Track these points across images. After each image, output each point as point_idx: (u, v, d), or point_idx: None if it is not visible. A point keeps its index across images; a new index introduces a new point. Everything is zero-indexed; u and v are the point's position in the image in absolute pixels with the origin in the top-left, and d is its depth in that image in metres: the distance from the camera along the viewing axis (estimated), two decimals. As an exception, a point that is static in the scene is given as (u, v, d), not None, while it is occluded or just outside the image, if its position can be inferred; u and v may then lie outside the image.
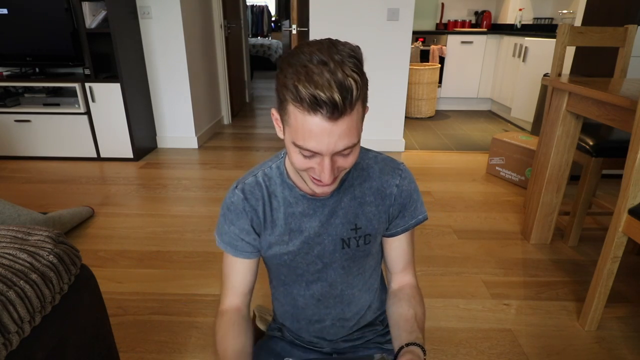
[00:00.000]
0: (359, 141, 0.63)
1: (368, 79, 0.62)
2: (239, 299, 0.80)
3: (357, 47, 0.60)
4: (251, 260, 0.79)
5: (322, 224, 0.75)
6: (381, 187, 0.76)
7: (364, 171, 0.77)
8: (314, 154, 0.60)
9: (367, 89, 0.61)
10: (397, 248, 0.82)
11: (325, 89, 0.54)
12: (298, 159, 0.62)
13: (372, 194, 0.76)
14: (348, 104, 0.56)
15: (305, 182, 0.68)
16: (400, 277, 0.83)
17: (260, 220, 0.76)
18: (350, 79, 0.55)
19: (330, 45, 0.58)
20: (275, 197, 0.76)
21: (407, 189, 0.78)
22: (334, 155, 0.61)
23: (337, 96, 0.54)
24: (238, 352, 0.72)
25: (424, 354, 0.67)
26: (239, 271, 0.79)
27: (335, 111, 0.55)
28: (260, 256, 0.81)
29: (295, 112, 0.57)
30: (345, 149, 0.60)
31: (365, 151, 0.79)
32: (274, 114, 0.65)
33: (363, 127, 0.66)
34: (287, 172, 0.75)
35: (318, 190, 0.66)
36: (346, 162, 0.63)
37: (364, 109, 0.62)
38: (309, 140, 0.58)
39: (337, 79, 0.54)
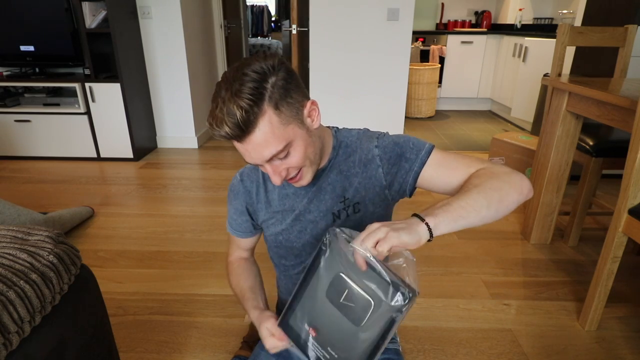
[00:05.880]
0: (289, 143, 0.66)
1: (292, 82, 0.65)
2: (244, 253, 0.97)
3: (272, 59, 0.63)
4: (243, 239, 0.93)
5: (310, 201, 0.81)
6: (363, 155, 0.80)
7: (349, 147, 0.81)
8: (256, 164, 0.69)
9: (279, 96, 0.63)
10: (432, 177, 0.75)
11: (219, 123, 0.61)
12: (259, 170, 0.75)
13: (356, 166, 0.80)
14: (244, 128, 0.61)
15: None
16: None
17: (253, 200, 0.86)
18: (236, 107, 0.60)
19: (237, 72, 0.62)
20: (270, 180, 0.82)
21: (389, 142, 0.79)
22: (272, 160, 0.67)
23: (227, 129, 0.61)
24: (251, 287, 0.88)
25: (428, 228, 0.58)
26: (238, 241, 0.95)
27: (236, 137, 0.63)
28: (254, 236, 0.93)
29: None
30: (275, 155, 0.65)
31: (348, 131, 0.84)
32: None
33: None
34: None
35: (295, 185, 0.75)
36: (291, 162, 0.69)
37: (281, 115, 0.64)
38: (244, 157, 0.67)
39: (229, 110, 0.60)
